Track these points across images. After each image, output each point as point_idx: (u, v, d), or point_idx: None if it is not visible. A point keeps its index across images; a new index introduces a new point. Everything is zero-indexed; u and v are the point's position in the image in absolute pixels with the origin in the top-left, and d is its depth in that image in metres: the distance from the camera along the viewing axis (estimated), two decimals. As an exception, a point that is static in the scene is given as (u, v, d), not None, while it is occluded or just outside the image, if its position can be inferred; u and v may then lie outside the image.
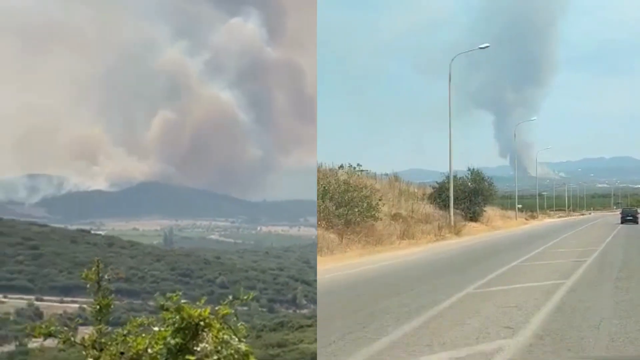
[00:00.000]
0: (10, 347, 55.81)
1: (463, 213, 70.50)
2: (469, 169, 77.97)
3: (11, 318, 63.21)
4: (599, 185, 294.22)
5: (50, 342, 5.36)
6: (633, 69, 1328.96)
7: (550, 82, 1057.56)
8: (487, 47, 79.57)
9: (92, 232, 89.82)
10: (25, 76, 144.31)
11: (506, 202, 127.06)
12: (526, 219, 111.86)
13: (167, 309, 5.32)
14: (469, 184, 74.89)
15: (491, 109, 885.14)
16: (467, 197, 72.40)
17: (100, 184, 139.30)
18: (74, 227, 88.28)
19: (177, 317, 5.27)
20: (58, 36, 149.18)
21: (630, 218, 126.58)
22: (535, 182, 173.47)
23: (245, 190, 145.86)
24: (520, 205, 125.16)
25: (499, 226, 78.98)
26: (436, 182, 75.81)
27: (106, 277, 5.76)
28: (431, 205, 68.35)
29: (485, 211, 77.86)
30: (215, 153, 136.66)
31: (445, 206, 66.07)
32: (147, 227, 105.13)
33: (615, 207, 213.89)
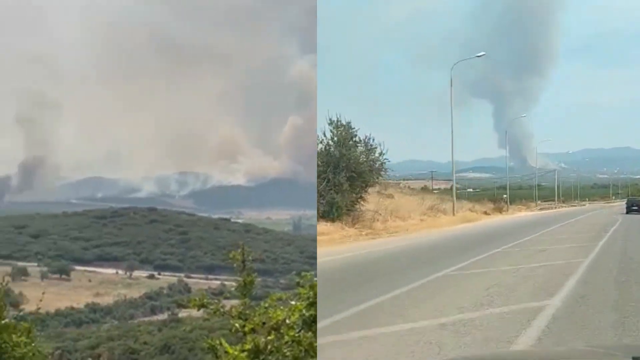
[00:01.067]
0: (163, 316, 56.95)
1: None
2: (330, 120, 38.08)
3: (164, 292, 64.54)
4: (599, 176, 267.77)
5: (196, 313, 5.39)
6: (633, 59, 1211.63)
7: (550, 72, 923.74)
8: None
9: (232, 220, 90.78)
10: (178, 89, 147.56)
11: (501, 194, 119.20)
12: (486, 213, 70.99)
13: (301, 286, 5.33)
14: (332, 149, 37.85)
15: (490, 98, 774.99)
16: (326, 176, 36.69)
17: (239, 180, 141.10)
18: (217, 216, 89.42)
19: (311, 292, 5.27)
20: (206, 55, 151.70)
21: (636, 208, 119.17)
22: (535, 173, 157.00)
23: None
24: (505, 195, 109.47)
25: (393, 230, 38.10)
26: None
27: (249, 258, 5.77)
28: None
29: (366, 202, 40.19)
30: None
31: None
32: (278, 217, 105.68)
33: (614, 198, 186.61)
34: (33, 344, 6.72)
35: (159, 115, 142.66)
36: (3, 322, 6.74)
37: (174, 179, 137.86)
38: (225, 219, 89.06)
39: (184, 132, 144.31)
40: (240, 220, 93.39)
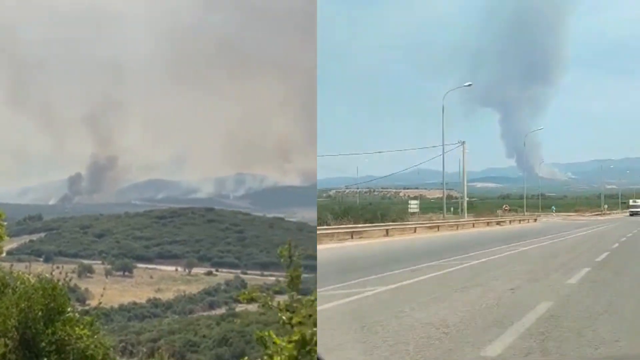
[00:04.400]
0: (221, 311, 57.36)
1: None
2: None
3: (222, 288, 64.96)
4: (608, 187, 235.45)
5: (252, 307, 5.45)
6: None
7: (558, 81, 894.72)
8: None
9: (286, 219, 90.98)
10: (239, 94, 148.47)
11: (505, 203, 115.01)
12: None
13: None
14: None
15: (498, 107, 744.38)
16: None
17: (293, 180, 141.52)
18: (271, 215, 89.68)
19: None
20: (265, 60, 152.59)
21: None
22: (542, 183, 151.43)
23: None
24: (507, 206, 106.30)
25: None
26: None
27: (297, 253, 5.82)
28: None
29: None
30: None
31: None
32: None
33: (606, 207, 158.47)
34: (96, 337, 6.83)
35: (220, 119, 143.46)
36: (67, 315, 6.87)
37: (232, 180, 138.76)
38: (279, 218, 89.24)
39: (242, 134, 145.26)
40: (293, 219, 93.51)
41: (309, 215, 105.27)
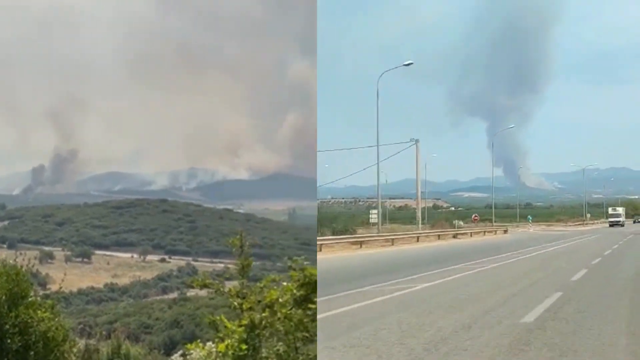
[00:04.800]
0: (173, 295, 56.93)
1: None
2: None
3: (174, 274, 64.51)
4: (595, 196, 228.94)
5: (203, 292, 5.41)
6: (630, 78, 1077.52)
7: (545, 89, 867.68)
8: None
9: (234, 211, 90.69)
10: (193, 91, 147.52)
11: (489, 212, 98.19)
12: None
13: (294, 269, 5.35)
14: None
15: (485, 116, 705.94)
16: None
17: (241, 174, 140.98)
18: (221, 207, 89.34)
19: (301, 275, 5.30)
20: (217, 60, 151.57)
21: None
22: (530, 193, 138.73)
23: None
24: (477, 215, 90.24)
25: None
26: None
27: (247, 243, 5.78)
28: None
29: None
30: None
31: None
32: (276, 208, 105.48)
33: (589, 216, 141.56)
34: (56, 319, 6.72)
35: (175, 115, 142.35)
36: (29, 299, 6.75)
37: (185, 173, 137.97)
38: (229, 210, 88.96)
39: (196, 130, 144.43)
40: (242, 211, 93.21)
41: (256, 207, 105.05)
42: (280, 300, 5.26)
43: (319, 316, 6.78)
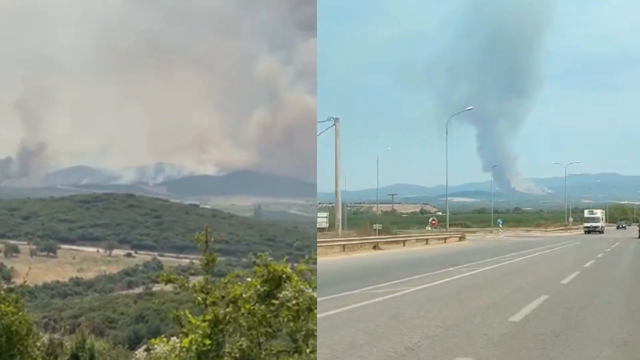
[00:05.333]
0: (139, 290, 56.61)
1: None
2: None
3: (140, 269, 64.14)
4: (584, 201, 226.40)
5: (168, 287, 5.41)
6: (620, 84, 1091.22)
7: (535, 95, 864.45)
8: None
9: (201, 206, 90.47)
10: (161, 86, 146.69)
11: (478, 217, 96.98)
12: None
13: (257, 265, 5.37)
14: None
15: (475, 121, 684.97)
16: None
17: (208, 170, 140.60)
18: (187, 202, 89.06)
19: (265, 270, 5.32)
20: (186, 56, 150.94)
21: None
22: (520, 197, 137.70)
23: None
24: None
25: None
26: None
27: (212, 239, 5.78)
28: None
29: None
30: (298, 146, 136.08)
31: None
32: (242, 203, 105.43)
33: (571, 220, 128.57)
34: (20, 313, 6.65)
35: (143, 110, 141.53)
36: (-7, 293, 6.67)
37: (152, 168, 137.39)
38: (195, 205, 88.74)
39: (163, 126, 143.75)
40: (208, 206, 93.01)
41: (222, 203, 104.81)
42: (244, 295, 5.27)
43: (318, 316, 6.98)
